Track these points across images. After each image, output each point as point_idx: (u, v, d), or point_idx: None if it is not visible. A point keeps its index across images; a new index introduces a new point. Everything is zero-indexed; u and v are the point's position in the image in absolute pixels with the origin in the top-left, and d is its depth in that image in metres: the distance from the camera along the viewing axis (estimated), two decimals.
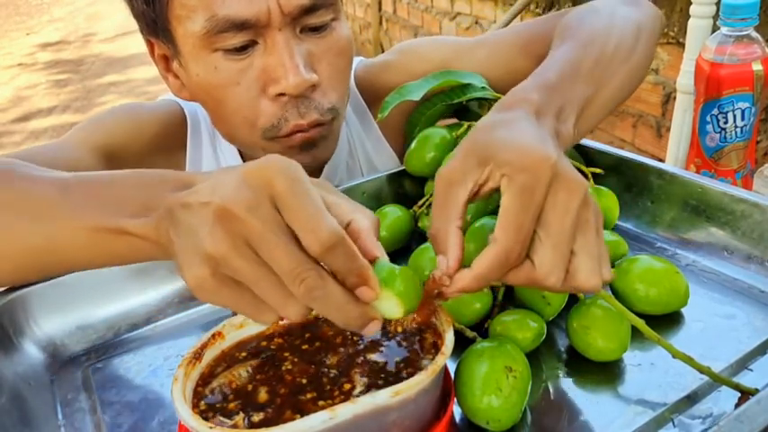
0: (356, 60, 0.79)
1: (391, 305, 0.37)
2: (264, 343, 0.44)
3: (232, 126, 0.67)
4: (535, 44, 0.70)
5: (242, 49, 0.62)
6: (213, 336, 0.43)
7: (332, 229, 0.34)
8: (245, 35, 0.61)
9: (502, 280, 0.41)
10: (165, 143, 0.75)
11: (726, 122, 0.76)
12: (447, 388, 0.43)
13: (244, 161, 0.77)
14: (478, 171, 0.41)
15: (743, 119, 0.75)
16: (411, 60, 0.79)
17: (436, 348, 0.41)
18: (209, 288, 0.36)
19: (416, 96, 0.70)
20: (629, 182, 0.65)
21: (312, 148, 0.67)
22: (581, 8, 0.68)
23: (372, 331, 0.37)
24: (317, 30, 0.64)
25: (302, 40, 0.63)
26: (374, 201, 0.68)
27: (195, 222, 0.36)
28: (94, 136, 0.71)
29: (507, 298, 0.53)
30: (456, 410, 0.44)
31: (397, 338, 0.43)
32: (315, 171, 0.77)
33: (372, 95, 0.82)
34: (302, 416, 0.35)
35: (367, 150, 0.84)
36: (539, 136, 0.42)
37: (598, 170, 0.65)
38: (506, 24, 2.22)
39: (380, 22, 4.00)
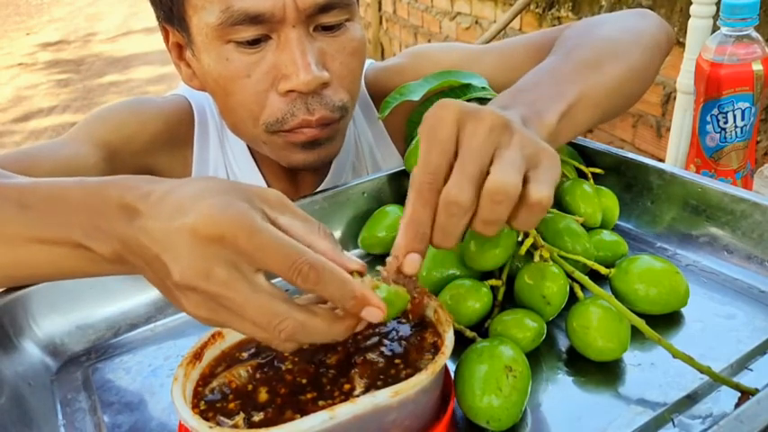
0: (367, 63, 0.80)
1: (376, 312, 0.38)
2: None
3: (237, 118, 0.68)
4: (543, 52, 0.71)
5: (254, 43, 0.62)
6: (213, 336, 0.43)
7: (312, 260, 0.35)
8: (258, 29, 0.61)
9: (441, 242, 0.41)
10: (170, 139, 0.75)
11: (726, 122, 0.76)
12: (447, 388, 0.43)
13: (252, 156, 0.77)
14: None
15: (743, 119, 0.75)
16: (423, 64, 0.79)
17: (436, 348, 0.41)
18: (210, 321, 0.38)
19: (416, 96, 0.70)
20: (629, 182, 0.65)
21: (317, 147, 0.68)
22: (585, 20, 0.71)
23: (362, 326, 0.39)
24: (330, 29, 0.64)
25: (315, 38, 0.63)
26: (374, 201, 0.68)
27: (164, 277, 0.37)
28: (98, 132, 0.71)
29: (507, 298, 0.53)
30: (456, 410, 0.44)
31: (397, 338, 0.43)
32: (320, 172, 0.78)
33: (382, 99, 0.82)
34: (302, 416, 0.35)
35: (374, 153, 0.84)
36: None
37: (598, 170, 0.65)
38: (506, 24, 2.22)
39: (380, 22, 4.00)
